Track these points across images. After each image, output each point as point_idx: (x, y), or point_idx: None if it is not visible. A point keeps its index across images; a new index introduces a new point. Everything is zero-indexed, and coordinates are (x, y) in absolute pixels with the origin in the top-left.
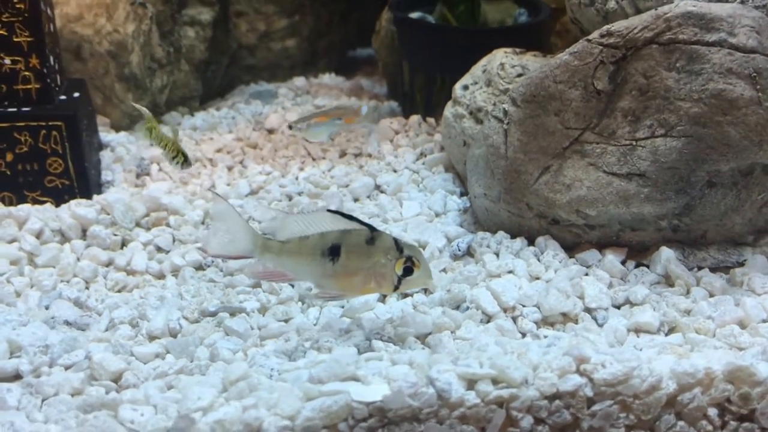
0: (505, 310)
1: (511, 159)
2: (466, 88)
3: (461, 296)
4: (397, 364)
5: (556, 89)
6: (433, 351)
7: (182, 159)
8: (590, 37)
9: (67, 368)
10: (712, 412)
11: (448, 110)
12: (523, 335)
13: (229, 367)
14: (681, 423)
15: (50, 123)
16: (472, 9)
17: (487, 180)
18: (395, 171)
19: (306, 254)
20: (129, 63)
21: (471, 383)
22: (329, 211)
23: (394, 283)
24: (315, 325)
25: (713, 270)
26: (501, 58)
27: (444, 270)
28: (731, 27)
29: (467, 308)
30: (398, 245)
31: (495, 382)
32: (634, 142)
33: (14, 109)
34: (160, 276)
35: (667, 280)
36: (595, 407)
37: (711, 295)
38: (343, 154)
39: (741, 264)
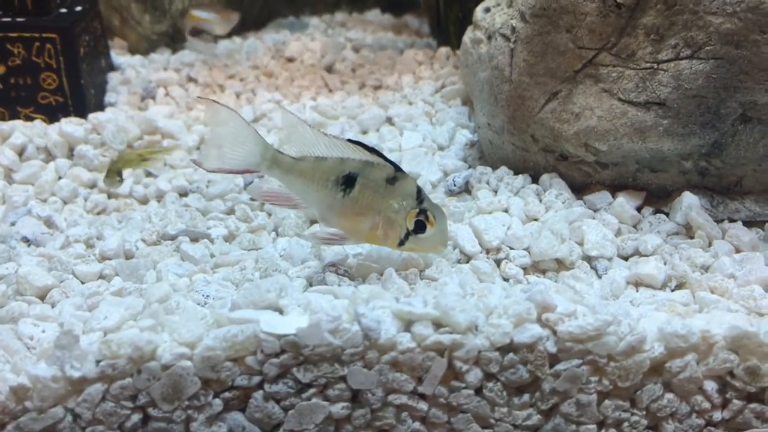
0: (487, 251)
1: (516, 82)
2: (487, 10)
3: None
4: (339, 299)
5: (570, 1)
6: (382, 287)
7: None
8: None
9: None
10: (710, 386)
11: (467, 35)
12: (507, 281)
13: (150, 288)
14: (669, 396)
15: (44, 35)
16: None
17: (491, 108)
18: (411, 103)
19: (318, 178)
20: None
21: (409, 324)
22: (349, 141)
23: (400, 236)
24: (281, 257)
25: (747, 224)
26: None
27: None
28: None
29: None
30: (420, 195)
31: (438, 325)
32: (655, 65)
33: (8, 20)
34: (144, 201)
35: (688, 231)
36: (560, 366)
37: (737, 251)
38: (362, 86)
39: None
